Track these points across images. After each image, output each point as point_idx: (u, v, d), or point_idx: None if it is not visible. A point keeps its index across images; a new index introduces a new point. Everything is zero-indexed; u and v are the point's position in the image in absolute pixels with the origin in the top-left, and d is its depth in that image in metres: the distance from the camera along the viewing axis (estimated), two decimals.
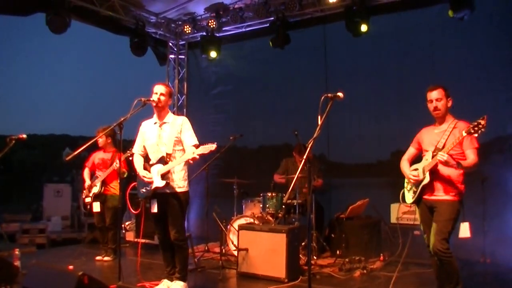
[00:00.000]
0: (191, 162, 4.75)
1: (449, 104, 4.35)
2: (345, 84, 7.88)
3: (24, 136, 6.38)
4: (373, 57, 7.71)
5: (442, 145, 4.22)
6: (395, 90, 7.37)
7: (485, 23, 6.72)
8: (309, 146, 3.86)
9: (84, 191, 7.06)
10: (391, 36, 7.50)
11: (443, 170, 4.24)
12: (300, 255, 6.17)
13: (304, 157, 3.85)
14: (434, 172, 4.26)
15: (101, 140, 6.96)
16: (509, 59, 6.63)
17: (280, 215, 6.94)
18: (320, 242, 7.04)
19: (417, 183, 4.41)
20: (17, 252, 5.82)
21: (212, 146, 4.65)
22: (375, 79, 7.72)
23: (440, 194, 4.27)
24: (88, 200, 6.98)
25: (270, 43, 8.14)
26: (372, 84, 7.75)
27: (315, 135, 3.86)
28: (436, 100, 4.32)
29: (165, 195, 4.90)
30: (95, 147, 7.02)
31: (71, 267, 5.42)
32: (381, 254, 6.63)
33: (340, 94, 4.02)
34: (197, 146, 4.79)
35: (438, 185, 4.29)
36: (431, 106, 4.37)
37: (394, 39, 7.48)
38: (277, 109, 8.80)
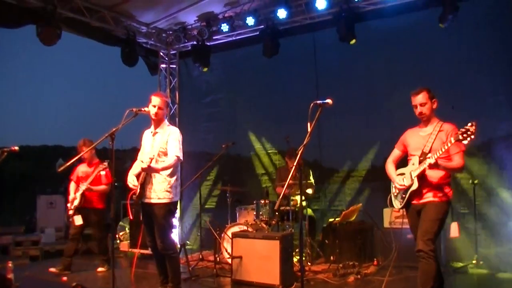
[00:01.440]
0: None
1: (434, 106, 4.31)
2: (336, 90, 7.97)
3: (16, 148, 6.35)
4: (362, 63, 7.77)
5: (428, 149, 4.17)
6: (385, 95, 7.42)
7: (472, 27, 6.80)
8: (299, 153, 3.89)
9: (68, 205, 6.98)
10: (380, 41, 7.55)
11: (431, 174, 4.19)
12: (294, 262, 6.19)
13: (295, 164, 3.88)
14: (422, 178, 4.20)
15: (87, 152, 6.74)
16: (496, 62, 6.71)
17: (273, 222, 6.96)
18: (314, 248, 7.06)
19: (405, 189, 4.33)
20: (10, 264, 5.80)
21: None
22: (365, 85, 7.78)
23: (427, 198, 4.23)
24: (70, 213, 6.86)
25: (262, 53, 8.18)
26: (363, 90, 7.81)
27: (305, 142, 3.89)
28: (420, 105, 4.29)
29: (148, 205, 4.94)
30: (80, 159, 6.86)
31: (64, 278, 5.43)
32: (375, 259, 6.66)
33: (329, 101, 4.06)
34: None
35: (426, 190, 4.23)
36: (416, 111, 4.35)
37: (383, 45, 7.54)
38: (268, 116, 8.84)
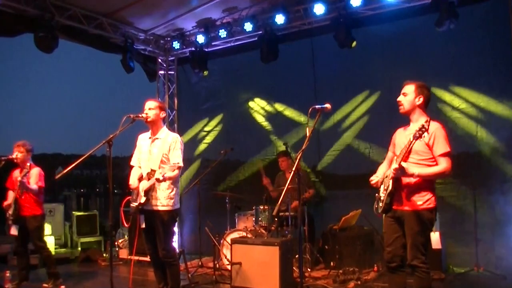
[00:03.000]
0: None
1: (418, 102, 4.00)
2: (334, 95, 7.98)
3: (14, 156, 6.36)
4: (361, 68, 7.76)
5: (406, 149, 3.87)
6: (384, 99, 7.41)
7: (469, 32, 6.79)
8: (298, 157, 3.87)
9: (7, 213, 6.37)
10: (378, 47, 7.55)
11: (406, 177, 3.92)
12: (294, 268, 6.15)
13: (293, 169, 3.86)
14: (397, 180, 3.93)
15: (20, 156, 6.31)
16: (494, 66, 6.70)
17: (272, 228, 6.93)
18: (314, 254, 7.03)
19: (384, 192, 4.05)
20: (8, 274, 5.77)
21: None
22: (364, 89, 7.78)
23: (406, 205, 3.94)
24: (10, 222, 6.31)
25: (260, 58, 8.17)
26: (361, 95, 7.80)
27: (303, 147, 3.88)
28: (403, 94, 4.07)
29: (150, 212, 4.91)
30: (15, 165, 6.46)
31: (63, 287, 5.39)
32: (375, 265, 6.61)
33: (327, 105, 4.05)
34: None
35: (403, 194, 3.96)
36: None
37: (381, 50, 7.54)
38: (267, 122, 8.83)
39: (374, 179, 4.23)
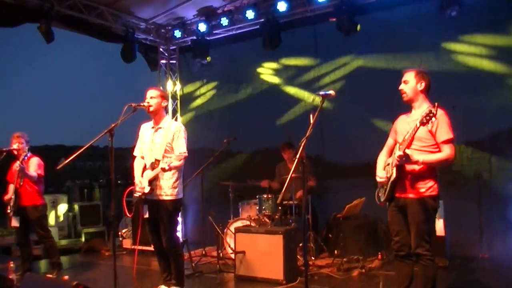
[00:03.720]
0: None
1: (420, 87, 3.99)
2: (337, 83, 7.92)
3: (15, 147, 6.33)
4: (364, 55, 7.69)
5: (410, 136, 3.84)
6: (388, 88, 7.33)
7: (476, 18, 6.71)
8: (302, 145, 3.82)
9: (8, 206, 6.35)
10: (381, 33, 7.47)
11: (409, 164, 3.89)
12: (298, 256, 6.14)
13: (297, 156, 3.81)
14: (400, 168, 3.92)
15: (20, 146, 6.31)
16: (500, 53, 6.63)
17: (276, 216, 6.91)
18: (318, 242, 7.01)
19: (387, 181, 4.06)
20: (11, 265, 5.77)
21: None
22: (367, 77, 7.71)
23: (409, 192, 3.93)
24: (11, 214, 6.28)
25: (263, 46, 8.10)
26: (365, 83, 7.73)
27: (307, 134, 3.83)
28: (404, 82, 4.05)
29: (154, 202, 4.88)
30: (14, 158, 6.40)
31: (66, 277, 5.38)
32: (379, 253, 6.59)
33: (331, 92, 4.00)
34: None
35: (406, 182, 3.93)
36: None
37: (384, 37, 7.46)
38: (271, 110, 8.77)
39: (380, 174, 4.19)
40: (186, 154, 4.77)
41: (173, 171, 4.88)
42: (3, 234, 8.86)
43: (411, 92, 4.02)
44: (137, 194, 4.93)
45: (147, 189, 4.81)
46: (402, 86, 4.08)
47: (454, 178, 6.78)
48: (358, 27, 7.20)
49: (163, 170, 4.65)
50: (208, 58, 8.85)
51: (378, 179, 4.21)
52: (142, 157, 5.09)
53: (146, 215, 4.90)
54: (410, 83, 4.03)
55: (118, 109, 4.62)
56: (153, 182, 4.84)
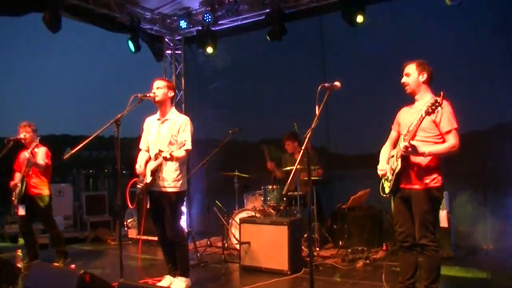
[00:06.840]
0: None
1: (422, 78, 3.99)
2: (343, 74, 7.85)
3: (22, 136, 6.37)
4: (370, 46, 7.64)
5: (414, 127, 3.79)
6: (393, 79, 7.28)
7: (483, 9, 6.65)
8: (307, 136, 3.81)
9: (14, 193, 6.40)
10: (387, 24, 7.42)
11: (415, 156, 3.89)
12: (303, 247, 6.17)
13: (303, 147, 3.81)
14: (405, 159, 3.92)
15: (28, 136, 6.36)
16: (507, 45, 6.57)
17: (281, 207, 6.93)
18: (322, 233, 7.03)
19: (392, 172, 4.07)
20: (19, 253, 5.81)
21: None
22: (373, 68, 7.66)
23: (414, 183, 3.93)
24: (16, 202, 6.33)
25: (268, 37, 8.06)
26: (370, 74, 7.69)
27: (313, 125, 3.81)
28: (406, 75, 4.05)
29: (157, 193, 4.89)
30: (22, 147, 6.49)
31: (73, 266, 5.42)
32: (384, 244, 6.62)
33: (337, 83, 3.98)
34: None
35: (411, 173, 3.94)
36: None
37: (390, 28, 7.41)
38: (275, 101, 8.74)
39: (381, 169, 4.23)
40: (190, 148, 4.77)
41: (176, 164, 4.88)
42: (9, 221, 8.93)
43: (414, 84, 4.03)
44: (140, 185, 4.94)
45: (148, 179, 4.82)
46: (404, 79, 4.09)
47: (458, 169, 6.75)
48: (364, 17, 7.15)
49: (165, 159, 4.59)
50: (212, 48, 8.82)
51: (378, 171, 4.25)
52: (147, 150, 5.10)
53: (148, 206, 4.92)
54: (412, 75, 4.03)
55: (124, 99, 4.63)
56: (155, 173, 4.84)
